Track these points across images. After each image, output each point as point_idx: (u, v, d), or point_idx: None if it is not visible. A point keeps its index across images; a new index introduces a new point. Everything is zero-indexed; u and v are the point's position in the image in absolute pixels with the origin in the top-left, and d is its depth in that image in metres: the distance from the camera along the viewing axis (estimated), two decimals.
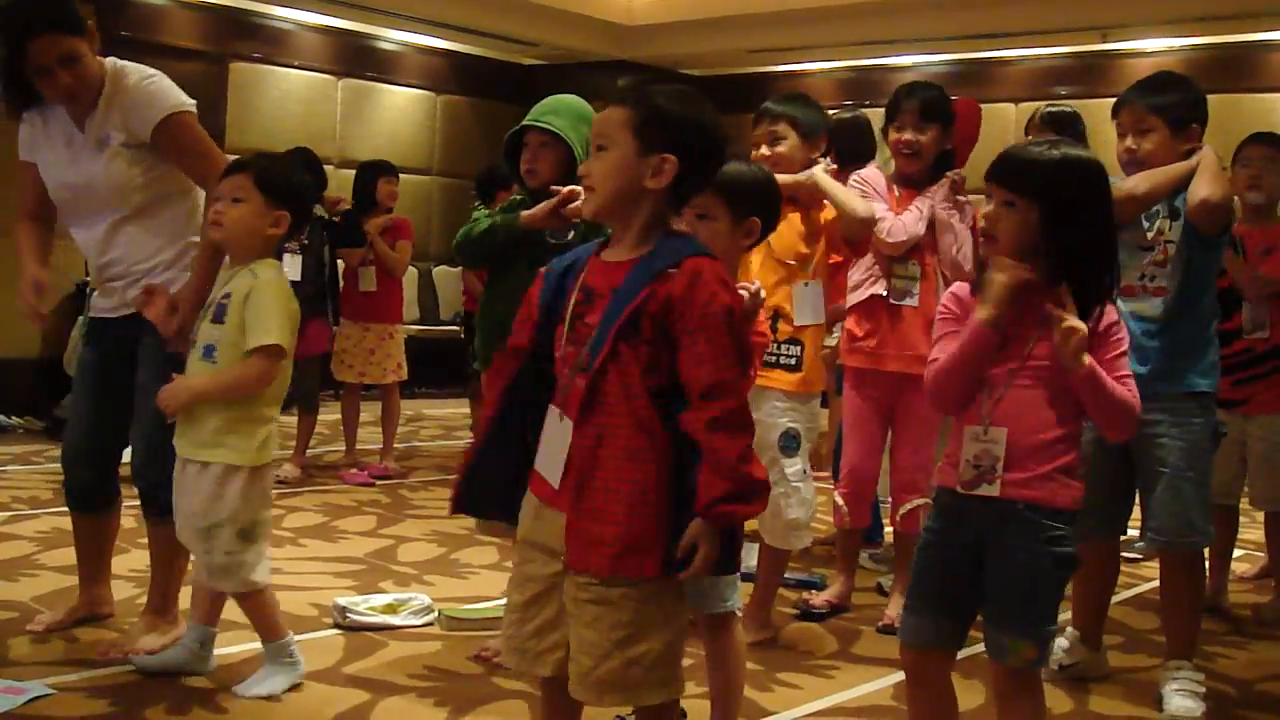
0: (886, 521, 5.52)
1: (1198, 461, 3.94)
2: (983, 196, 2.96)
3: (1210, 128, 4.05)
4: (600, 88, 10.42)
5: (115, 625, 4.26)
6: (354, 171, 8.30)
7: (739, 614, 3.35)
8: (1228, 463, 4.86)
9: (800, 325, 4.32)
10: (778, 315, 4.26)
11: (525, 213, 3.94)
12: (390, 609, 4.50)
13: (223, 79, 10.86)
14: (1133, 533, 4.36)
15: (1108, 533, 4.17)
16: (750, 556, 4.34)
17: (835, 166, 4.51)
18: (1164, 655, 4.11)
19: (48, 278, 4.05)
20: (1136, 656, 4.48)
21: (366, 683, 3.87)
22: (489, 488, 2.74)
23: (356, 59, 12.19)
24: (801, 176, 4.36)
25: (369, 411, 8.17)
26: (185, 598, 4.04)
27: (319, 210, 7.48)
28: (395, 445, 7.91)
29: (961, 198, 4.61)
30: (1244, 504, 5.33)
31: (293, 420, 7.27)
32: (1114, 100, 4.14)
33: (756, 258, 4.25)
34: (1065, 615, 4.37)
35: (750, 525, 4.17)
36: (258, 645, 4.02)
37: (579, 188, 3.72)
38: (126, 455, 4.20)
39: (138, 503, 4.16)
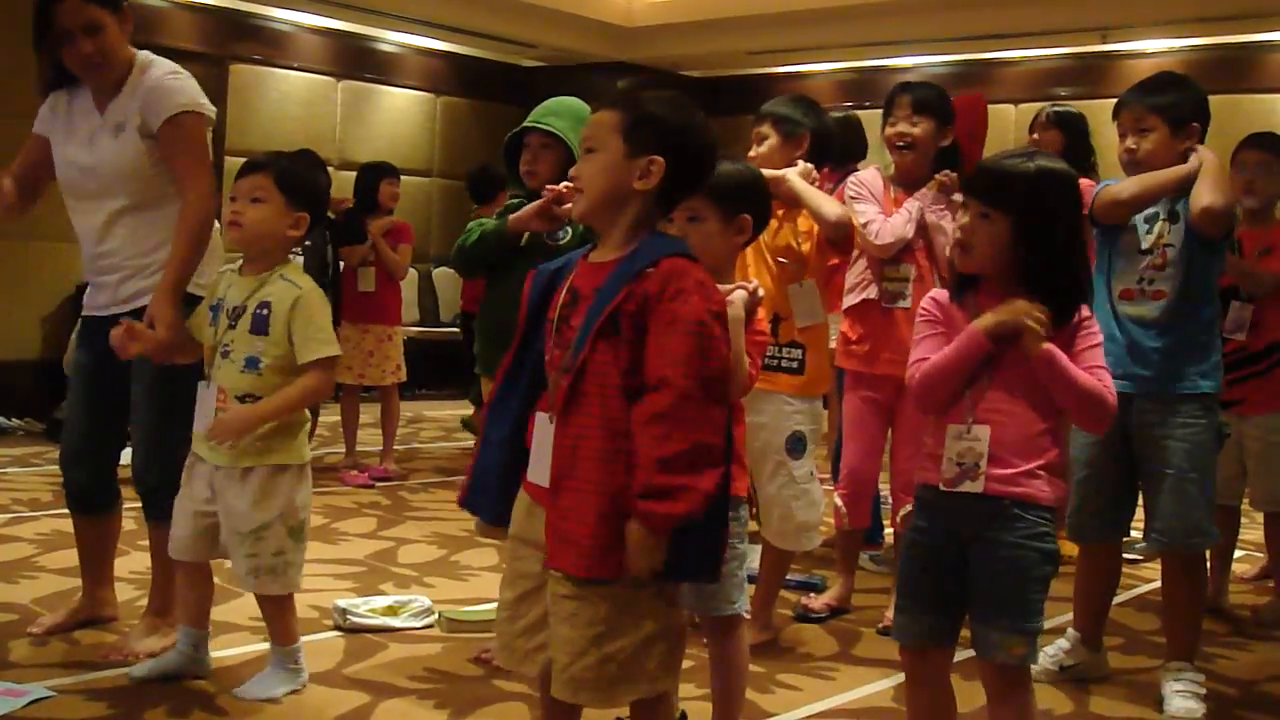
0: (887, 522, 5.53)
1: (1201, 462, 3.94)
2: None
3: (1210, 128, 4.04)
4: (600, 89, 10.42)
5: (117, 628, 4.25)
6: (354, 173, 8.32)
7: (746, 616, 3.35)
8: (1227, 463, 4.85)
9: (801, 327, 4.31)
10: (778, 318, 4.26)
11: (512, 215, 3.95)
12: (390, 611, 4.50)
13: (222, 81, 10.86)
14: (1134, 534, 4.35)
15: (1110, 534, 4.17)
16: (752, 558, 4.34)
17: (811, 167, 4.49)
18: (1165, 656, 4.11)
19: (11, 187, 4.06)
20: (1137, 658, 4.48)
21: (367, 684, 3.87)
22: (490, 493, 2.74)
23: (356, 61, 12.18)
24: (775, 175, 4.35)
25: (368, 413, 8.17)
26: None
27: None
28: (395, 447, 7.91)
29: (958, 197, 4.60)
30: (1244, 504, 5.33)
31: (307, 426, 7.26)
32: (1114, 101, 4.14)
33: (752, 259, 4.26)
34: (1066, 616, 4.38)
35: (751, 527, 4.19)
36: (258, 647, 4.03)
37: (568, 186, 3.73)
38: (126, 457, 4.20)
39: (139, 504, 4.16)
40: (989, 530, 2.86)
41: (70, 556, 4.54)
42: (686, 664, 3.53)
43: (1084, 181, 5.28)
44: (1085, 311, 2.92)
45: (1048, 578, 2.91)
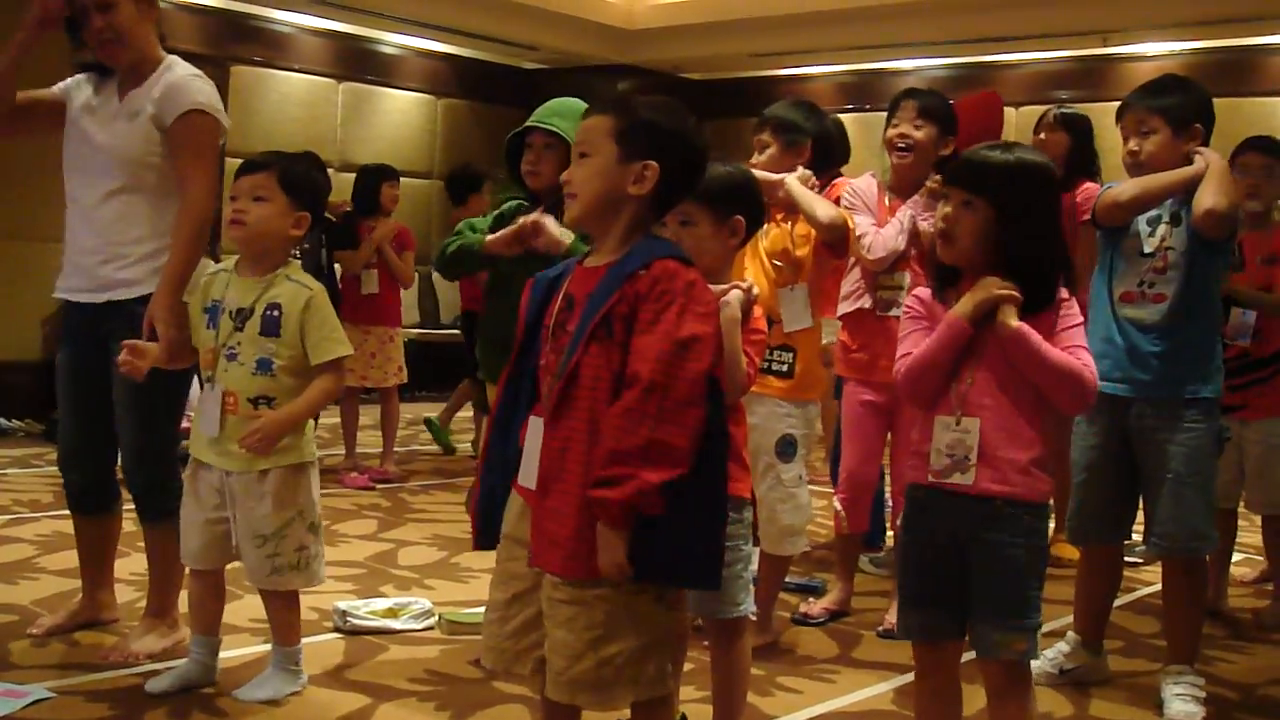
0: (889, 525, 5.52)
1: (1201, 467, 3.94)
2: None
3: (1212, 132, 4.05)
4: (601, 91, 10.45)
5: (117, 629, 4.26)
6: (354, 175, 8.31)
7: (753, 617, 3.35)
8: (1227, 467, 4.85)
9: (788, 332, 4.30)
10: (770, 320, 4.25)
11: (489, 238, 3.95)
12: (391, 613, 4.50)
13: (223, 82, 10.84)
14: (1135, 536, 4.35)
15: (1110, 537, 4.16)
16: (754, 560, 4.33)
17: (810, 173, 4.48)
18: (1165, 660, 4.11)
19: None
20: (1137, 661, 4.48)
21: (367, 687, 3.87)
22: (499, 513, 2.73)
23: (357, 62, 12.19)
24: (774, 178, 4.35)
25: (368, 415, 8.16)
26: (184, 601, 4.03)
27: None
28: (395, 449, 7.90)
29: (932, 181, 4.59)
30: (1241, 508, 5.33)
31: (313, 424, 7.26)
32: (1114, 104, 4.15)
33: (750, 262, 4.26)
34: (1066, 619, 4.38)
35: None
36: (258, 649, 4.03)
37: (540, 220, 3.75)
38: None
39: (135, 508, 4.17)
40: (983, 531, 2.89)
41: (70, 558, 4.54)
42: (687, 666, 3.54)
43: (1089, 185, 5.30)
44: (1064, 294, 2.95)
45: (1043, 573, 2.95)
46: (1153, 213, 3.99)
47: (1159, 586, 4.35)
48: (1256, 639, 4.89)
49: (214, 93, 4.08)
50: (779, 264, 4.33)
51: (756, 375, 3.10)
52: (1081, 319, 2.96)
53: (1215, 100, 4.10)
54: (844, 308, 4.77)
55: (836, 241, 4.41)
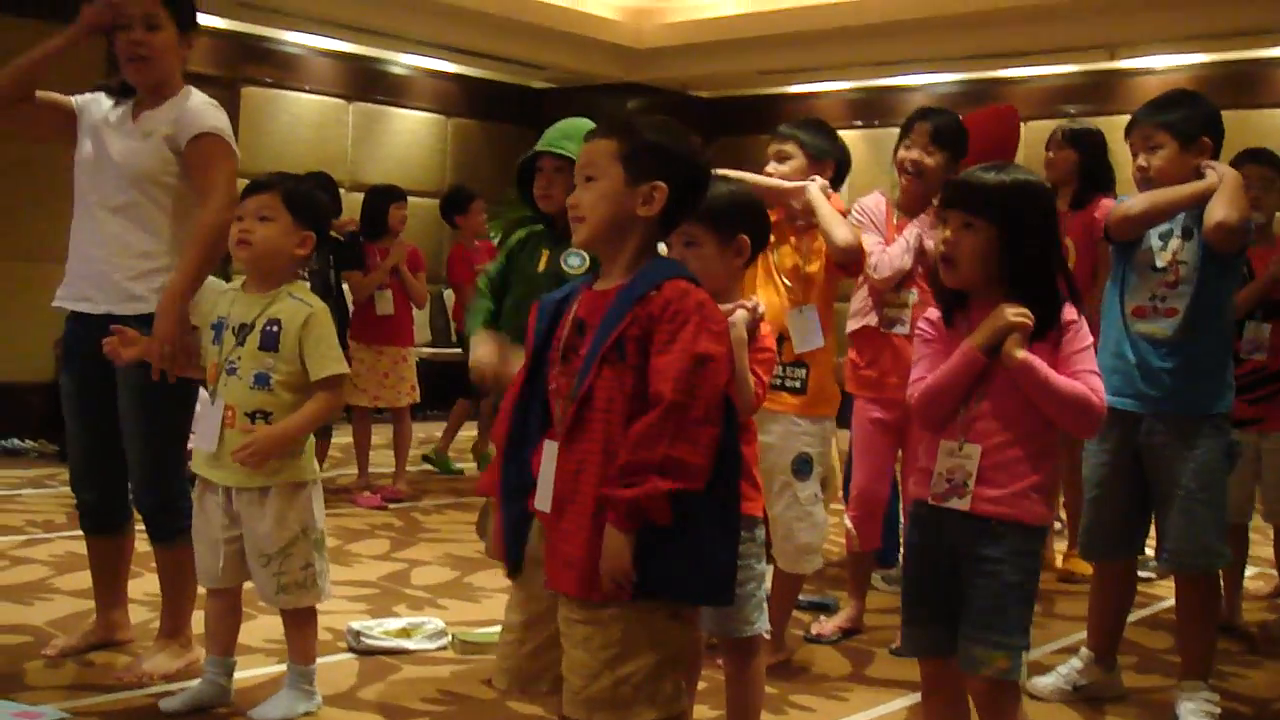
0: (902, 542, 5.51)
1: (1212, 483, 3.94)
2: None
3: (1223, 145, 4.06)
4: (610, 110, 10.48)
5: (131, 650, 4.26)
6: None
7: (767, 636, 3.35)
8: (1241, 481, 4.85)
9: (798, 352, 4.30)
10: (782, 337, 4.25)
11: (472, 362, 3.93)
12: (404, 633, 4.51)
13: (234, 103, 10.89)
14: (1148, 551, 4.35)
15: (1123, 552, 4.16)
16: (766, 580, 4.33)
17: (827, 183, 4.47)
18: (1179, 675, 4.10)
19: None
20: (1151, 676, 4.47)
21: (381, 706, 3.87)
22: (525, 541, 2.72)
23: (367, 83, 12.22)
24: (795, 185, 4.35)
25: (381, 435, 8.17)
26: (197, 621, 4.04)
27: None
28: (408, 468, 7.91)
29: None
30: (1254, 522, 5.32)
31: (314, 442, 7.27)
32: (1122, 117, 4.17)
33: (761, 279, 4.26)
34: (1080, 635, 4.38)
35: None
36: (273, 669, 4.04)
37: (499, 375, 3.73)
38: None
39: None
40: (978, 547, 2.92)
41: (84, 578, 4.55)
42: (701, 685, 3.54)
43: (1107, 201, 5.31)
44: (1072, 314, 2.96)
45: (1031, 595, 2.98)
46: (1164, 227, 4.00)
47: (1173, 602, 4.34)
48: (1271, 654, 4.88)
49: (227, 121, 4.14)
50: (789, 283, 4.32)
51: (765, 394, 3.10)
52: (1090, 341, 2.97)
53: (1224, 113, 4.10)
54: (852, 325, 4.78)
55: (849, 263, 4.41)
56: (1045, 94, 11.39)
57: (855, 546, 4.84)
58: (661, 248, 2.84)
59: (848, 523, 4.81)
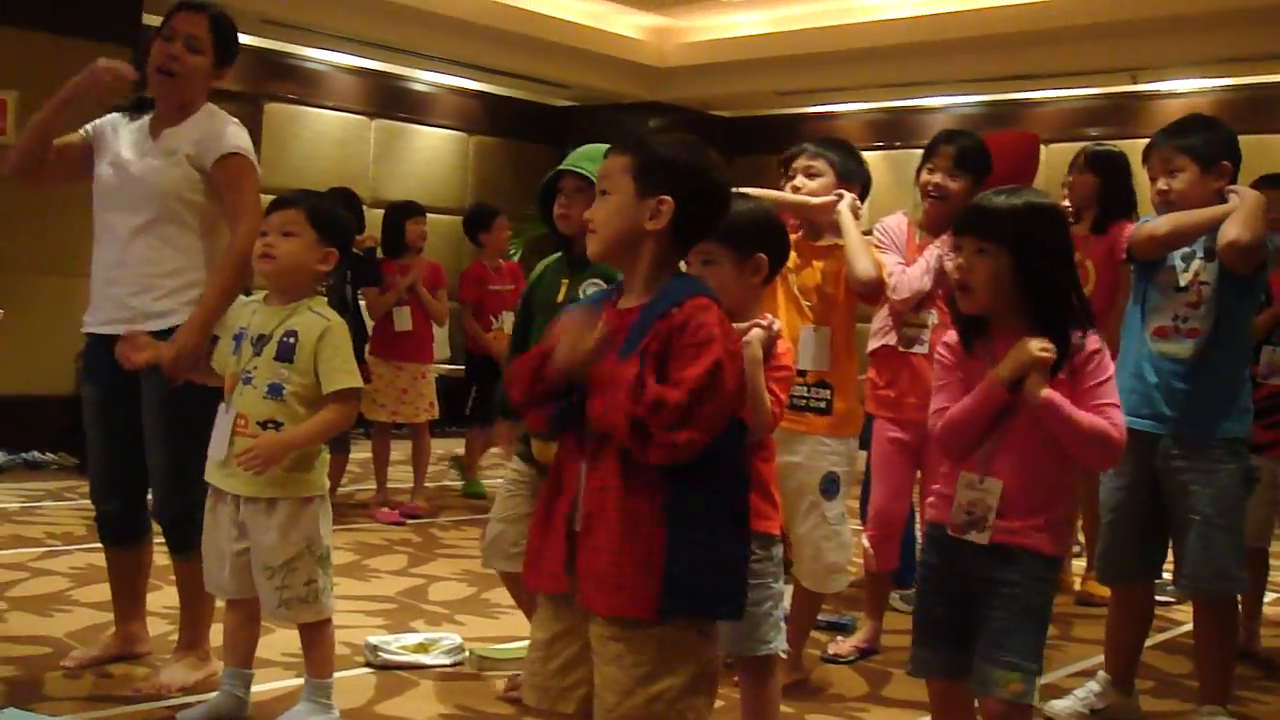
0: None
1: (1230, 508, 3.93)
2: None
3: (1240, 168, 4.05)
4: (631, 129, 10.49)
5: (149, 662, 4.28)
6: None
7: (784, 656, 3.35)
8: (1258, 506, 4.83)
9: (804, 369, 4.29)
10: None
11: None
12: (421, 648, 4.51)
13: (257, 120, 10.96)
14: (1165, 575, 4.34)
15: (1140, 576, 4.15)
16: (784, 599, 4.33)
17: (856, 198, 4.47)
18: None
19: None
20: (1169, 701, 4.45)
21: None
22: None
23: (390, 100, 12.29)
24: (826, 201, 4.34)
25: (399, 450, 8.19)
26: (215, 634, 4.06)
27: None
28: (426, 484, 7.92)
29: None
30: (1274, 545, 5.30)
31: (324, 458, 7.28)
32: (1144, 141, 4.16)
33: (783, 300, 4.26)
34: (1097, 659, 4.36)
35: None
36: (290, 683, 4.04)
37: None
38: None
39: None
40: (996, 570, 2.93)
41: (103, 590, 4.56)
42: (718, 704, 3.52)
43: (1129, 226, 5.30)
44: (1094, 344, 2.96)
45: (1045, 620, 2.99)
46: (1186, 248, 4.00)
47: (1191, 626, 4.33)
48: None
49: (249, 139, 4.18)
50: (811, 303, 4.32)
51: (783, 412, 3.10)
52: (1111, 372, 2.98)
53: (1246, 138, 4.11)
54: (872, 344, 4.79)
55: (867, 295, 4.40)
56: (1067, 116, 11.39)
57: (873, 566, 4.84)
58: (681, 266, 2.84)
59: (866, 543, 4.81)
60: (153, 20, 4.76)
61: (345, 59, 11.68)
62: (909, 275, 4.58)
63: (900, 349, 4.68)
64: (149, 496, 4.29)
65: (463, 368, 8.85)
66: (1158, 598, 5.46)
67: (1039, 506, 2.94)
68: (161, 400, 4.01)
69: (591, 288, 3.83)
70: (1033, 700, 2.95)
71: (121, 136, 4.17)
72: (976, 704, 3.06)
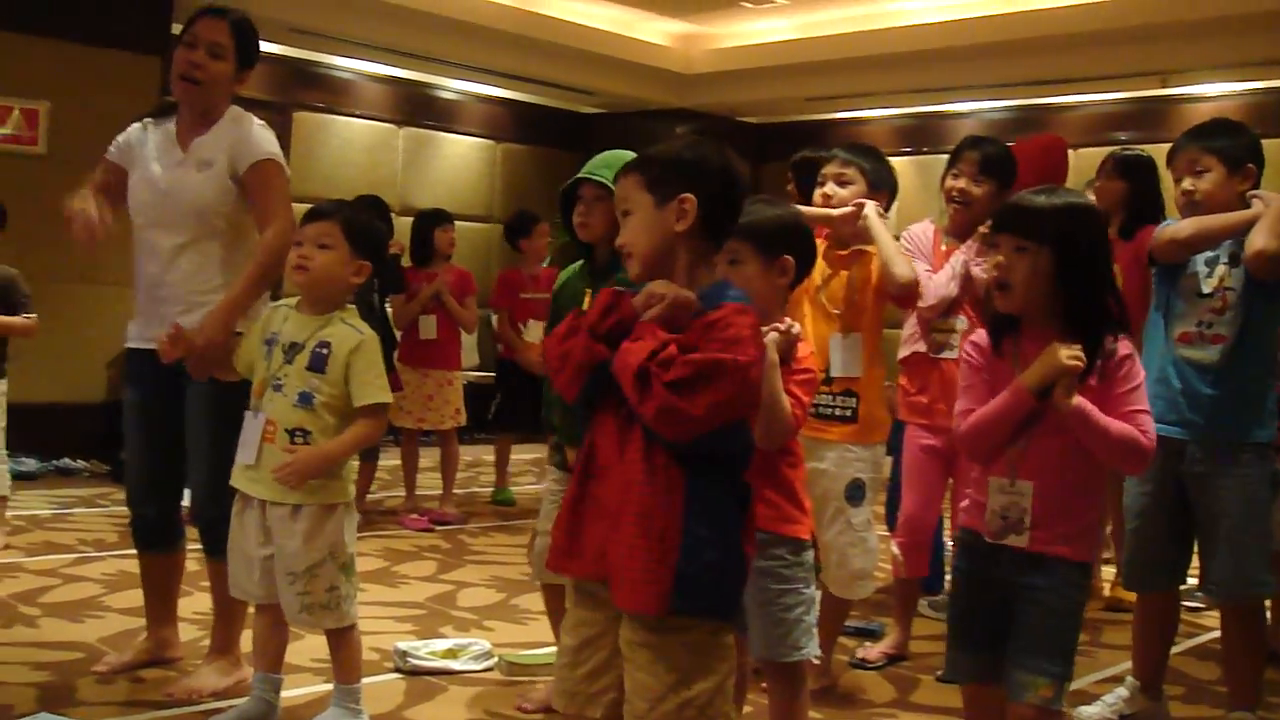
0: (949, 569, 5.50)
1: (1256, 512, 3.92)
2: None
3: (1269, 173, 4.05)
4: (659, 135, 10.50)
5: (181, 668, 4.31)
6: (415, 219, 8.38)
7: (816, 661, 3.35)
8: None
9: (835, 376, 4.30)
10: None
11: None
12: (450, 654, 4.53)
13: (286, 128, 11.01)
14: (1192, 581, 4.32)
15: (1165, 583, 4.14)
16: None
17: (878, 205, 4.47)
18: (1227, 706, 4.08)
19: (99, 206, 4.08)
20: (1199, 707, 4.44)
21: None
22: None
23: (418, 108, 12.33)
24: (848, 209, 4.35)
25: (428, 457, 8.22)
26: (246, 640, 4.08)
27: None
28: (455, 491, 7.94)
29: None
30: None
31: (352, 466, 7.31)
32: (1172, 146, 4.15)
33: (810, 309, 4.27)
34: (1125, 665, 4.36)
35: None
36: (319, 689, 4.06)
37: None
38: (185, 498, 4.27)
39: (199, 545, 4.22)
40: (1029, 576, 2.94)
41: (135, 596, 4.60)
42: (746, 709, 3.54)
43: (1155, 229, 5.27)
44: (1125, 349, 2.96)
45: (1076, 625, 2.99)
46: (1210, 253, 3.99)
47: (1219, 632, 4.31)
48: None
49: (274, 137, 4.21)
50: (839, 311, 4.32)
51: (805, 414, 3.10)
52: (1142, 378, 2.98)
53: (1272, 141, 4.09)
54: (903, 351, 4.79)
55: (904, 298, 4.42)
56: (1096, 121, 11.36)
57: (902, 573, 4.84)
58: None
59: (895, 549, 4.81)
60: None
61: (373, 67, 11.73)
62: (935, 282, 4.58)
63: (931, 355, 4.68)
64: (184, 502, 4.33)
65: (492, 374, 8.87)
66: (1187, 604, 5.45)
67: (1069, 512, 2.94)
68: (206, 411, 4.04)
69: None
70: (1061, 706, 2.95)
71: (148, 145, 4.20)
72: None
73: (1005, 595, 2.97)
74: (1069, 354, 2.88)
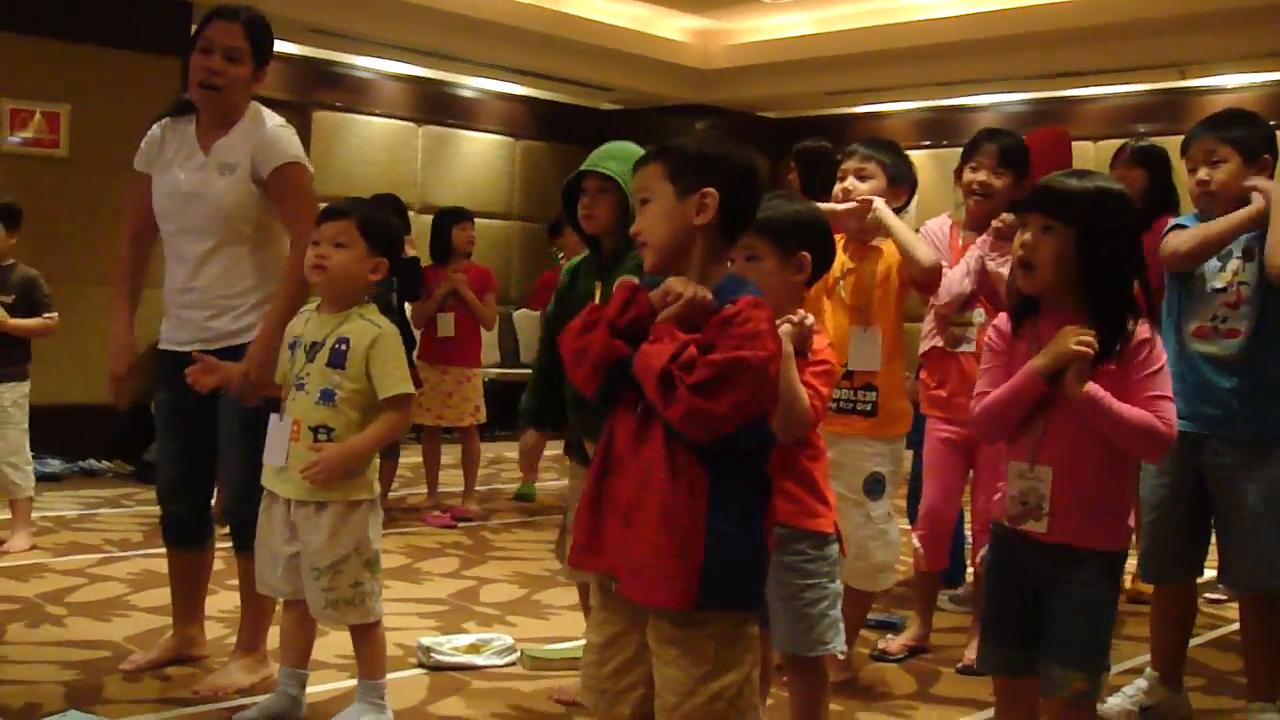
0: (969, 562, 5.51)
1: (1275, 503, 3.91)
2: None
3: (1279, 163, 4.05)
4: (677, 131, 10.48)
5: (207, 665, 4.34)
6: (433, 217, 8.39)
7: (841, 656, 3.35)
8: None
9: (854, 370, 4.31)
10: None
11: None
12: (473, 649, 4.55)
13: (306, 127, 11.05)
14: (1211, 574, 4.33)
15: (1183, 576, 4.14)
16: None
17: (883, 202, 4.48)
18: (1247, 697, 4.08)
19: (133, 348, 4.33)
20: (1220, 698, 4.44)
21: None
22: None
23: (436, 106, 12.35)
24: (853, 204, 4.37)
25: (450, 454, 8.23)
26: (272, 638, 4.11)
27: None
28: (476, 488, 7.96)
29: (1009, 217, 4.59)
30: None
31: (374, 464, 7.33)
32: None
33: (829, 305, 4.28)
34: (1145, 657, 4.36)
35: None
36: (344, 684, 4.09)
37: None
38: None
39: (227, 544, 4.25)
40: (1061, 569, 2.93)
41: (161, 595, 4.63)
42: (768, 703, 3.56)
43: (1170, 219, 5.27)
44: (1145, 333, 2.94)
45: (1110, 617, 2.98)
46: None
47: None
48: None
49: (297, 137, 4.23)
50: (858, 305, 4.34)
51: (824, 406, 3.11)
52: (1164, 362, 2.96)
53: None
54: (923, 346, 4.80)
55: (927, 283, 4.43)
56: (1115, 113, 11.33)
57: (923, 566, 4.84)
58: None
59: (915, 542, 4.81)
60: None
61: (392, 66, 11.75)
62: (950, 278, 4.58)
63: (949, 349, 4.69)
64: (213, 500, 4.36)
65: (512, 370, 8.85)
66: (1209, 595, 5.46)
67: (1092, 500, 2.92)
68: (241, 416, 4.06)
69: None
70: (1098, 697, 2.95)
71: (169, 147, 4.22)
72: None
73: (1037, 588, 2.97)
74: (1078, 339, 2.87)
